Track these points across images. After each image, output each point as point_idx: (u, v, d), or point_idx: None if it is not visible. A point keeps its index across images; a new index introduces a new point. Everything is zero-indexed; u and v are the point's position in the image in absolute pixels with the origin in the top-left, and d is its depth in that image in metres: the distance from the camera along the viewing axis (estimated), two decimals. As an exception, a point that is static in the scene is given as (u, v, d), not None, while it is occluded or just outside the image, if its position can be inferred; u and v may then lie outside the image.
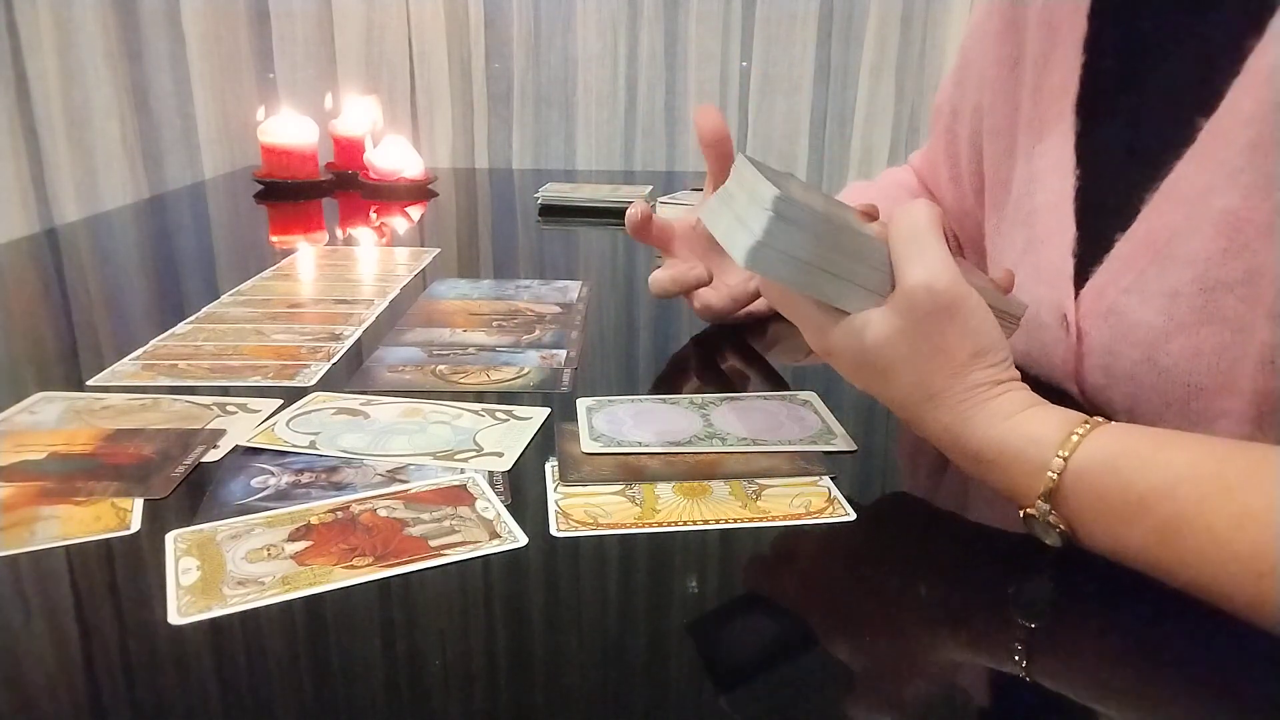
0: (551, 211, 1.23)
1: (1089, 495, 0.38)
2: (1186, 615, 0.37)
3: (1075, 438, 0.38)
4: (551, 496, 0.45)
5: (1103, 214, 0.52)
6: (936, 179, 0.76)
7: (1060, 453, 0.38)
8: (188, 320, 0.71)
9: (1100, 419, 0.39)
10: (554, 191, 1.27)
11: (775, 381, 0.60)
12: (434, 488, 0.45)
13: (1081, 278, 0.53)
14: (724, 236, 0.44)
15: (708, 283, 0.67)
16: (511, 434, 0.51)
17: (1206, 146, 0.46)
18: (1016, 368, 0.44)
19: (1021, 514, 0.40)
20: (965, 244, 0.75)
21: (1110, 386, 0.51)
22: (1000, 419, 0.40)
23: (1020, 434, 0.40)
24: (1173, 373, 0.47)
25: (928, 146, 0.79)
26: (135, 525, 0.41)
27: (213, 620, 0.35)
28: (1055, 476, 0.38)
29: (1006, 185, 0.62)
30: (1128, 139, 0.53)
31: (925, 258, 0.41)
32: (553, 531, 0.42)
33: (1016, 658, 0.35)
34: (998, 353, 0.42)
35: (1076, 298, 0.53)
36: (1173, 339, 0.47)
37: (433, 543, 0.40)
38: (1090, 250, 0.53)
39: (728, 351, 0.72)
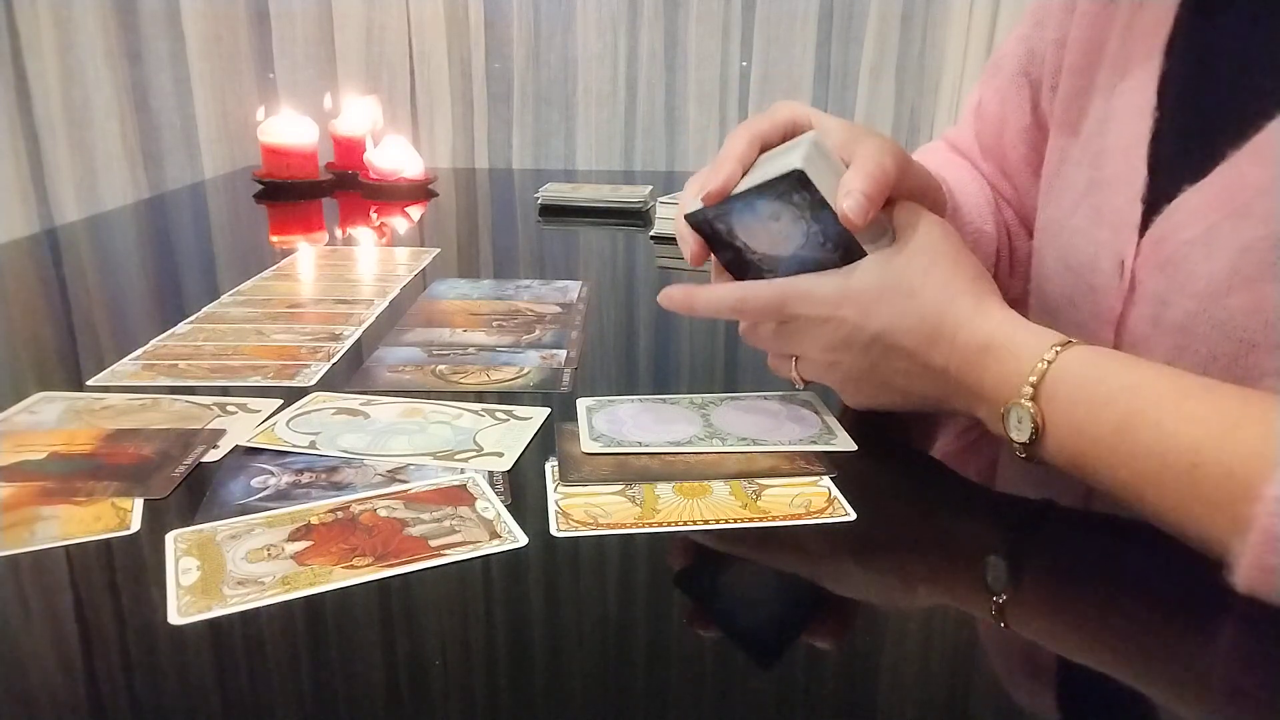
0: (551, 211, 1.23)
1: (1066, 387, 0.42)
2: (1188, 616, 0.37)
3: (1069, 342, 0.44)
4: (551, 496, 0.45)
5: (1174, 163, 0.51)
6: (998, 137, 0.71)
7: (1055, 347, 0.43)
8: (188, 320, 0.71)
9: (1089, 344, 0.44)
10: (554, 191, 1.27)
11: (775, 381, 0.60)
12: (434, 488, 0.45)
13: (1145, 225, 0.52)
14: (758, 176, 0.49)
15: None
16: (511, 434, 0.51)
17: None
18: (1055, 311, 0.53)
19: (1002, 410, 0.44)
20: (1028, 206, 0.70)
21: (1155, 337, 0.51)
22: (1012, 314, 0.47)
23: (1028, 328, 0.46)
24: (1227, 326, 0.47)
25: (976, 112, 0.74)
26: (135, 525, 0.41)
27: (213, 620, 0.35)
28: (1045, 365, 0.43)
29: (1076, 126, 0.60)
30: (1212, 89, 0.51)
31: (931, 213, 0.50)
32: (553, 531, 0.42)
33: (1018, 656, 0.35)
34: (993, 283, 0.49)
35: (1138, 245, 0.52)
36: (1234, 293, 0.47)
37: (433, 543, 0.40)
38: (1156, 198, 0.52)
39: (728, 351, 0.72)
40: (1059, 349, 0.43)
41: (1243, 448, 0.36)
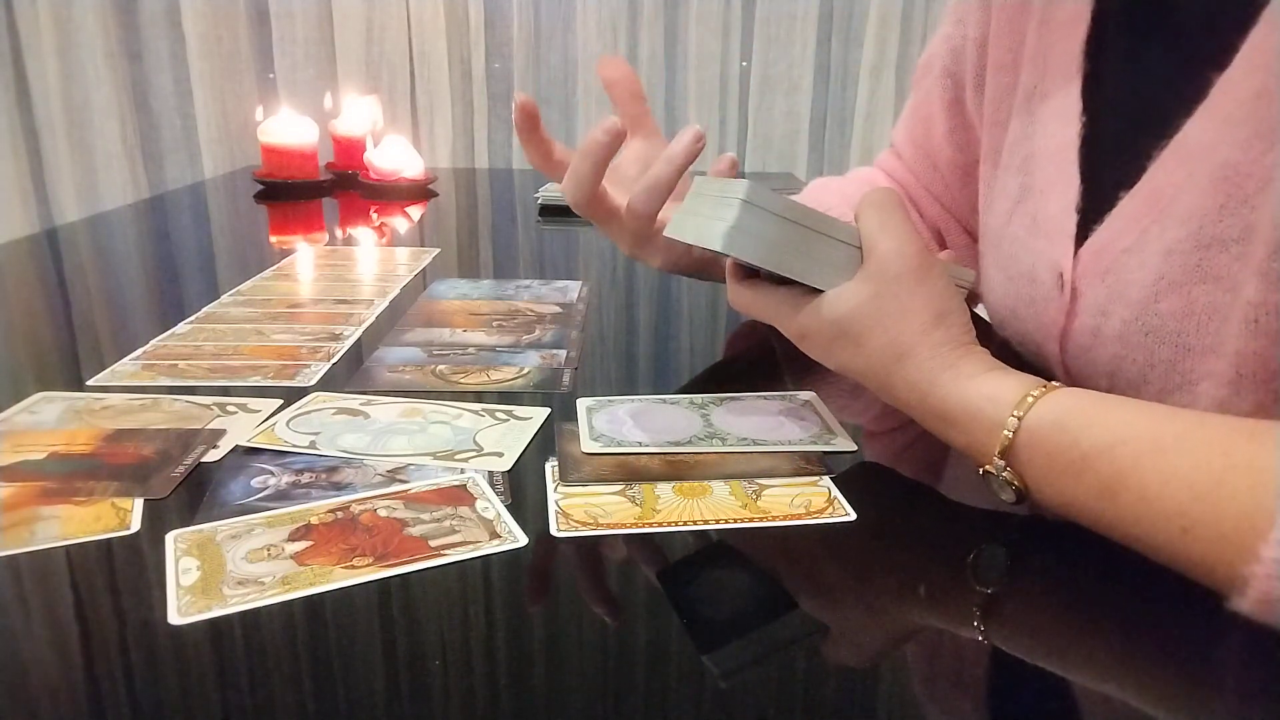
0: (551, 211, 1.22)
1: (1039, 453, 0.40)
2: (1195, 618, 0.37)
3: (1030, 399, 0.41)
4: (551, 496, 0.45)
5: (1106, 167, 0.50)
6: (927, 138, 0.71)
7: (1015, 412, 0.41)
8: (188, 320, 0.71)
9: (1055, 384, 0.42)
10: (554, 191, 1.27)
11: (775, 381, 0.60)
12: (434, 488, 0.45)
13: (1081, 234, 0.50)
14: (696, 235, 0.48)
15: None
16: (511, 434, 0.51)
17: (1217, 101, 0.44)
18: (1001, 323, 0.49)
19: (980, 471, 0.43)
20: (967, 201, 0.69)
21: (1096, 347, 0.49)
22: (965, 378, 0.43)
23: (982, 394, 0.43)
24: (1161, 333, 0.45)
25: (909, 110, 0.74)
26: (135, 525, 0.41)
27: (213, 620, 0.35)
28: (1010, 435, 0.41)
29: (1005, 125, 0.58)
30: (1137, 89, 0.50)
31: (895, 229, 0.46)
32: (553, 531, 0.42)
33: (1018, 656, 0.35)
34: (960, 315, 0.46)
35: (1075, 255, 0.50)
36: (1163, 298, 0.45)
37: (433, 543, 0.40)
38: (1092, 205, 0.50)
39: (728, 351, 0.72)
40: (1019, 413, 0.41)
41: (1231, 507, 0.34)
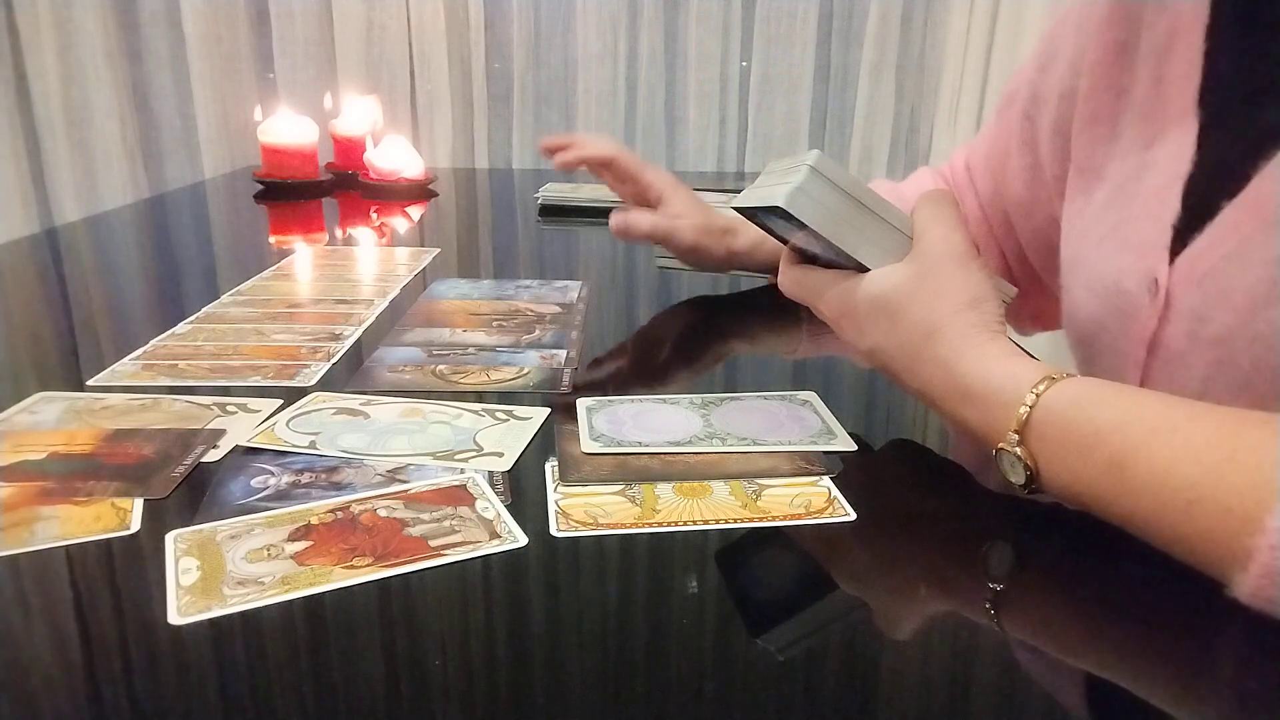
0: (551, 211, 1.23)
1: (1053, 430, 0.41)
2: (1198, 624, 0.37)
3: (1050, 380, 0.42)
4: (551, 496, 0.45)
5: (1211, 188, 0.51)
6: (1002, 169, 0.73)
7: (1034, 390, 0.42)
8: (188, 320, 0.71)
9: (1074, 372, 0.43)
10: (554, 191, 1.27)
11: (775, 381, 0.60)
12: (434, 488, 0.45)
13: (1180, 247, 0.51)
14: (759, 199, 0.51)
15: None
16: (511, 434, 0.51)
17: None
18: (1087, 339, 0.52)
19: (994, 451, 0.44)
20: (1030, 235, 0.72)
21: (1192, 351, 0.50)
22: (989, 358, 0.45)
23: (1003, 371, 0.44)
24: (1270, 339, 0.46)
25: (991, 136, 0.75)
26: (135, 525, 0.41)
27: (213, 620, 0.35)
28: (1027, 410, 0.42)
29: (1100, 171, 0.60)
30: (1246, 117, 0.51)
31: (946, 221, 0.50)
32: (553, 531, 0.42)
33: (1020, 655, 0.35)
34: (993, 304, 0.48)
35: (1171, 264, 0.51)
36: (1273, 305, 0.45)
37: (433, 543, 0.40)
38: (1192, 222, 0.51)
39: (728, 351, 0.72)
40: (1038, 390, 0.42)
41: (1239, 481, 0.35)
